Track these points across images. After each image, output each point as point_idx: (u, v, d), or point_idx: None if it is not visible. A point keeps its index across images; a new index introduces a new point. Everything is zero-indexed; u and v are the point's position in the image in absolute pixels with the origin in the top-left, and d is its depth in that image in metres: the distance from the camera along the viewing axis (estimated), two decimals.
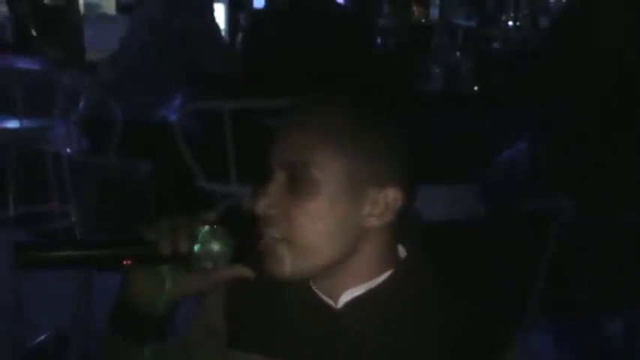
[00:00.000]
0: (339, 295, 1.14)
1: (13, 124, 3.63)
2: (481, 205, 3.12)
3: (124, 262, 1.05)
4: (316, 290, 1.16)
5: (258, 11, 3.38)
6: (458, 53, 3.85)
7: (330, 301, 1.14)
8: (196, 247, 1.06)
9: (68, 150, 3.72)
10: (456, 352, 1.10)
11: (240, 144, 2.84)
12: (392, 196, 1.11)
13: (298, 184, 1.10)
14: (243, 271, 1.11)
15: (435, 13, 4.76)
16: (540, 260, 2.88)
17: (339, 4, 3.47)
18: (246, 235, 1.12)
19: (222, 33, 4.07)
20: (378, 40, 4.26)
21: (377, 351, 1.11)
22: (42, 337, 2.97)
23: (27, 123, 3.60)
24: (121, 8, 5.36)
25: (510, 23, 4.27)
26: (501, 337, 1.12)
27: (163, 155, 3.23)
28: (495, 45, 3.84)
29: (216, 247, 1.07)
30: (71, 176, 3.81)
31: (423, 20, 4.79)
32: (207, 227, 1.07)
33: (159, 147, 3.27)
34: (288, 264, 1.10)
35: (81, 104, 3.66)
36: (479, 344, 1.10)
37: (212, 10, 3.68)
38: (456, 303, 1.15)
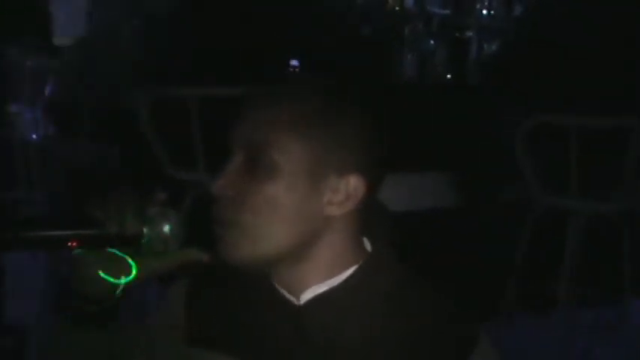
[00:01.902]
0: (301, 292, 1.08)
1: None
2: (456, 194, 3.11)
3: (70, 244, 0.99)
4: (278, 286, 1.10)
5: None
6: (432, 41, 3.82)
7: (292, 298, 1.09)
8: (145, 229, 1.01)
9: (35, 136, 3.67)
10: (421, 352, 1.06)
11: (209, 132, 2.80)
12: (353, 184, 1.06)
13: (256, 166, 1.04)
14: (197, 255, 1.05)
15: (410, 0, 4.73)
16: (517, 250, 2.87)
17: None
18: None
19: None
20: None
21: (339, 350, 1.06)
22: None
23: None
24: None
25: (485, 12, 4.24)
26: (467, 336, 1.07)
27: (133, 141, 3.18)
28: (469, 33, 3.81)
29: (165, 229, 1.01)
30: (39, 163, 3.75)
31: (397, 8, 4.75)
32: (157, 208, 1.01)
33: (128, 133, 3.22)
34: (240, 249, 1.05)
35: (47, 89, 3.61)
36: (444, 344, 1.06)
37: None
38: (421, 301, 1.09)
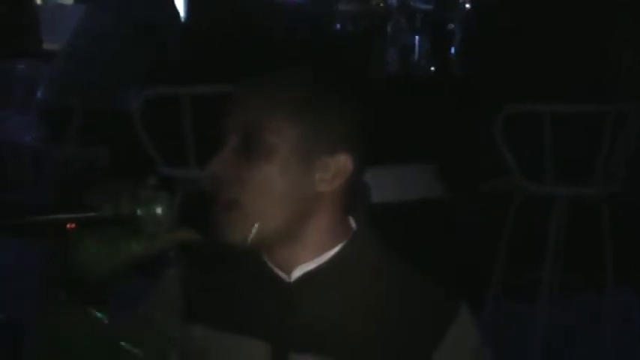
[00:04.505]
0: (292, 269, 1.14)
1: None
2: (440, 185, 3.15)
3: (68, 227, 1.04)
4: (270, 264, 1.16)
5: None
6: (417, 37, 3.87)
7: (284, 275, 1.15)
8: (139, 211, 1.06)
9: (27, 139, 3.70)
10: (406, 324, 1.12)
11: (200, 130, 2.84)
12: (342, 161, 1.13)
13: (251, 148, 1.10)
14: (189, 235, 1.10)
15: None
16: (502, 239, 2.90)
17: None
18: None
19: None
20: (337, 26, 4.27)
21: (328, 324, 1.12)
22: None
23: None
24: None
25: (467, 5, 4.30)
26: (447, 308, 1.14)
27: (123, 143, 3.22)
28: (452, 26, 3.87)
29: (158, 210, 1.07)
30: (31, 166, 3.78)
31: (381, 4, 4.81)
32: (149, 191, 1.07)
33: (119, 134, 3.26)
34: (239, 228, 1.10)
35: (38, 93, 3.65)
36: (425, 316, 1.13)
37: None
38: (403, 276, 1.16)
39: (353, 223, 1.19)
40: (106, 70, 3.50)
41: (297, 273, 1.15)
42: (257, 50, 2.99)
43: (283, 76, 1.16)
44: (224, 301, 1.18)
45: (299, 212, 1.12)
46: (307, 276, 1.14)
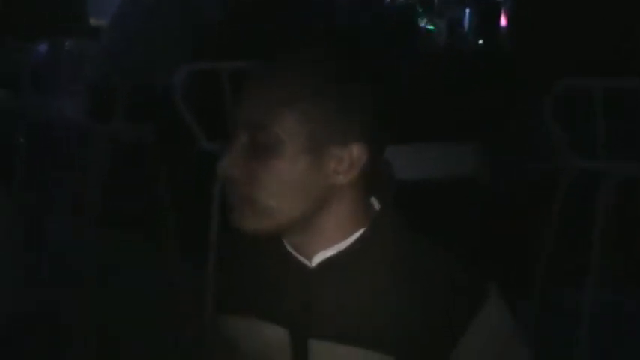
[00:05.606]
0: (312, 255, 1.13)
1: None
2: (486, 164, 3.10)
3: None
4: (291, 250, 1.15)
5: None
6: (467, 10, 3.82)
7: (305, 261, 1.14)
8: None
9: (74, 117, 3.73)
10: (431, 308, 1.09)
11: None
12: (356, 152, 1.10)
13: (260, 144, 1.09)
14: None
15: None
16: (551, 220, 2.83)
17: None
18: None
19: None
20: None
21: (349, 311, 1.11)
22: None
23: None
24: None
25: None
26: (478, 290, 1.10)
27: (169, 118, 3.23)
28: None
29: None
30: (78, 143, 3.82)
31: None
32: None
33: (165, 110, 3.27)
34: (251, 221, 1.10)
35: (85, 71, 3.68)
36: (454, 298, 1.09)
37: None
38: (428, 258, 1.13)
39: (376, 205, 1.16)
40: (149, 46, 3.50)
41: (317, 259, 1.13)
42: (297, 26, 2.96)
43: (287, 67, 1.12)
44: (248, 288, 1.18)
45: (315, 204, 1.10)
46: (327, 262, 1.13)
